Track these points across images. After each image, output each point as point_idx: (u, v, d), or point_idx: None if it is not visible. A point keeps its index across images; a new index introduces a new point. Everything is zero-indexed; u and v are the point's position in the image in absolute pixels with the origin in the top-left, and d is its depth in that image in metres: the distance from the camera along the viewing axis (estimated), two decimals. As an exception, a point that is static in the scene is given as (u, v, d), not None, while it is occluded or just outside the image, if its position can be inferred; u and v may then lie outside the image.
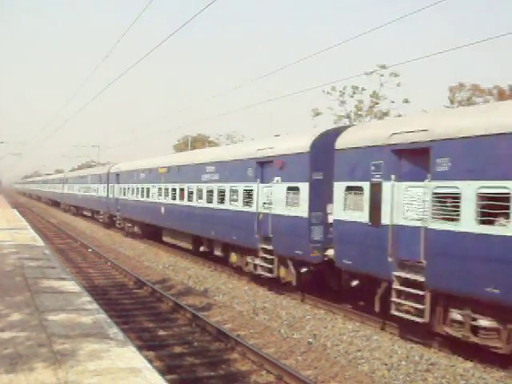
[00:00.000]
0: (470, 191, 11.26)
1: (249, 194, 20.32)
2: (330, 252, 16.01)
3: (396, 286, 13.26)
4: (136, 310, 16.77)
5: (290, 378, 10.81)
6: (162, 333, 14.38)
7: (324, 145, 16.60)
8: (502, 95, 49.61)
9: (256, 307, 17.13)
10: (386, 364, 11.99)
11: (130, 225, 37.76)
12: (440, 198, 12.13)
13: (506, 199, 10.56)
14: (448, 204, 11.92)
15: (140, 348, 10.95)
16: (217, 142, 78.28)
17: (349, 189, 14.94)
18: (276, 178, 18.41)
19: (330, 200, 15.89)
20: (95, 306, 10.46)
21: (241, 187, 20.97)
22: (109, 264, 26.00)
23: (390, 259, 13.29)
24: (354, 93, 46.49)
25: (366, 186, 14.20)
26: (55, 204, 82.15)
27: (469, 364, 11.96)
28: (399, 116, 40.64)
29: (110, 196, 42.36)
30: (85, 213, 56.71)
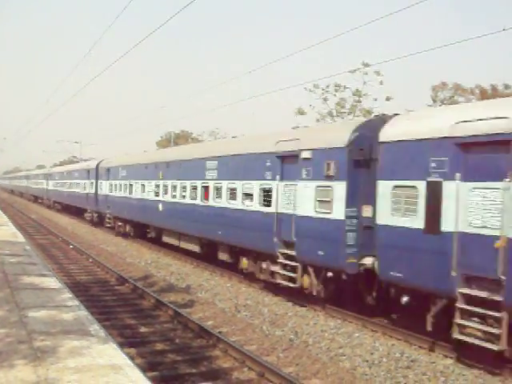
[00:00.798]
0: None
1: None
2: (368, 261, 14.50)
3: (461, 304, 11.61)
4: (118, 307, 16.70)
5: (271, 374, 10.82)
6: (143, 330, 14.33)
7: (364, 138, 14.91)
8: (483, 94, 50.04)
9: (238, 304, 17.13)
10: (367, 361, 12.06)
11: None
12: None
13: None
14: None
15: (121, 345, 10.89)
16: (200, 139, 78.14)
17: (397, 188, 13.13)
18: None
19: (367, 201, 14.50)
20: (76, 302, 10.40)
21: None
22: (90, 260, 25.86)
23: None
24: (337, 91, 46.58)
25: (421, 185, 12.47)
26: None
27: (449, 361, 12.07)
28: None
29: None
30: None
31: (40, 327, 8.40)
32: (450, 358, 12.20)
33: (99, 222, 41.54)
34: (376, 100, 45.27)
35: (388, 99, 44.70)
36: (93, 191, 42.08)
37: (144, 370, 9.67)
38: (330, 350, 12.80)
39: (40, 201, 77.56)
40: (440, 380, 11.02)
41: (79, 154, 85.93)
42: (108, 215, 37.98)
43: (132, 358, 9.05)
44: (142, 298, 17.99)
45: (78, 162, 73.87)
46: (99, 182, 40.67)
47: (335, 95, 46.91)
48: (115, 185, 36.49)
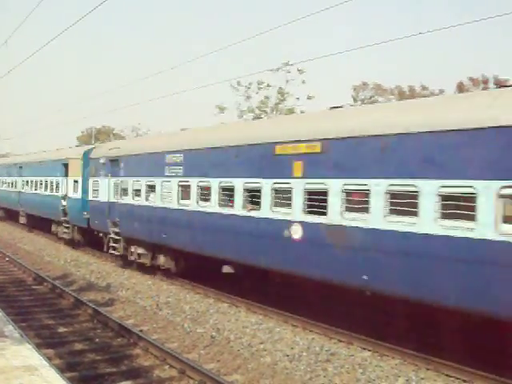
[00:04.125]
0: None
1: None
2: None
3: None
4: (35, 307, 16.27)
5: (192, 371, 10.80)
6: (62, 330, 14.02)
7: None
8: (401, 95, 51.74)
9: (159, 302, 17.02)
10: (287, 355, 12.23)
11: None
12: None
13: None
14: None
15: (38, 346, 10.66)
16: (122, 135, 76.94)
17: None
18: None
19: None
20: (-10, 303, 10.07)
21: None
22: (6, 259, 25.05)
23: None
24: (259, 88, 46.92)
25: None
26: None
27: (366, 353, 12.41)
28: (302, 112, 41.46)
29: None
30: None
31: (-50, 329, 8.09)
32: (368, 350, 12.56)
33: None
34: (298, 99, 45.94)
35: (310, 98, 45.45)
36: None
37: (62, 370, 9.48)
38: (251, 346, 12.92)
39: None
40: (358, 372, 11.30)
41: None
42: None
43: (49, 359, 8.86)
44: (60, 298, 17.59)
45: None
46: None
47: (257, 93, 47.29)
48: None
